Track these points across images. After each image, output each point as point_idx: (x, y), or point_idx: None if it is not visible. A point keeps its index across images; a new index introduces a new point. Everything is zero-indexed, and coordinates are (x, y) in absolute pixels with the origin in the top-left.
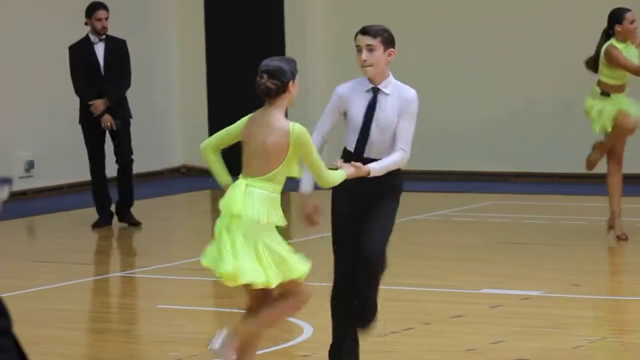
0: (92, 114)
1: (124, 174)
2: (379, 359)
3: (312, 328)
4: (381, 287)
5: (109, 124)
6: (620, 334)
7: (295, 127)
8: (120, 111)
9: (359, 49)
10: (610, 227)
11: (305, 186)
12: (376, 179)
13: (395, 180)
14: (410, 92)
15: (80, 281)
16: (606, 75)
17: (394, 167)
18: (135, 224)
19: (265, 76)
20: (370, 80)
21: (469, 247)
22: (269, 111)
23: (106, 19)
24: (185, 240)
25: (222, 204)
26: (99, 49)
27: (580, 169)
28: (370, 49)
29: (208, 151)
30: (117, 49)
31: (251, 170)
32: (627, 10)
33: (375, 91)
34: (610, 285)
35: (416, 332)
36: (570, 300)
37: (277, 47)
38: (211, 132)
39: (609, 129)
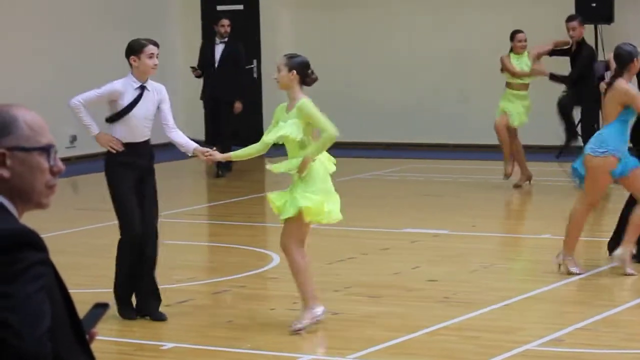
0: (206, 93)
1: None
2: (329, 280)
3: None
4: (333, 227)
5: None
6: (505, 262)
7: None
8: (229, 97)
9: (151, 56)
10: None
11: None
12: (151, 157)
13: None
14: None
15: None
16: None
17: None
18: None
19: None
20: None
21: (394, 198)
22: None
23: (228, 25)
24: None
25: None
26: (219, 49)
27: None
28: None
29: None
30: (232, 50)
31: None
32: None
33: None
34: (498, 226)
35: (356, 261)
36: (469, 237)
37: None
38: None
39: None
